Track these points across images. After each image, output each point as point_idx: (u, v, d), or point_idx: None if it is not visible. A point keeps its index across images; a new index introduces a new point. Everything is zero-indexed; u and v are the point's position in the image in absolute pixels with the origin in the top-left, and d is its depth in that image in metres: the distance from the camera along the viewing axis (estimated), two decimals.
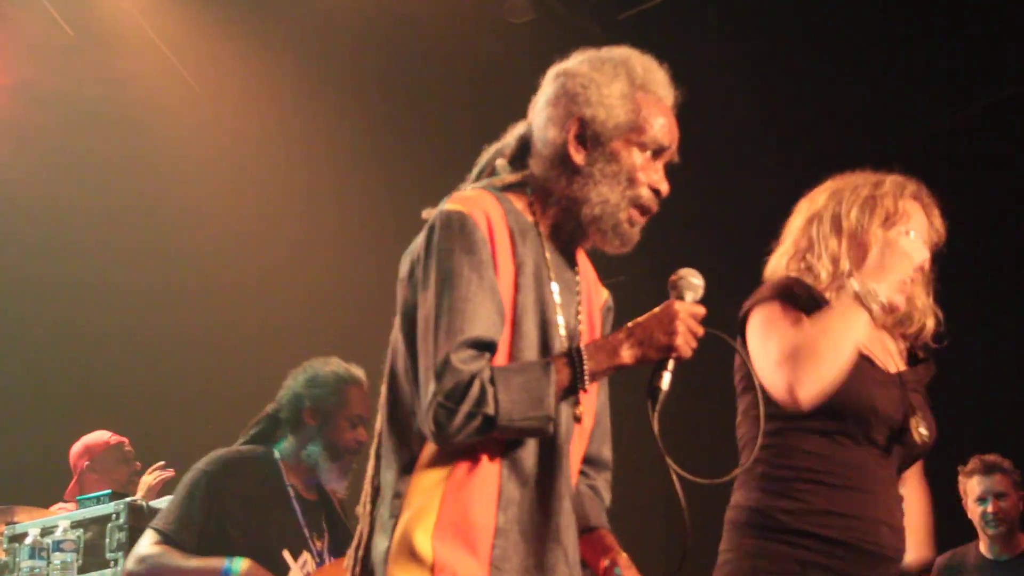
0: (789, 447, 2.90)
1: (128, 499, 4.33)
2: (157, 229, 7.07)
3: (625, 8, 6.18)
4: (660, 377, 2.27)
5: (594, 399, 2.44)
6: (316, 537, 4.06)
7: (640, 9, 6.07)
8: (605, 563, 2.39)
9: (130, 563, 3.94)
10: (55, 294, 7.03)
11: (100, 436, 5.81)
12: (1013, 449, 5.47)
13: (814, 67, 6.07)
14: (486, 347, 2.19)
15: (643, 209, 2.36)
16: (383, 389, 2.34)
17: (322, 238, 7.01)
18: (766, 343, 2.82)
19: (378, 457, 2.33)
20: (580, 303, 2.41)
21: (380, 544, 2.24)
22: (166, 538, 3.89)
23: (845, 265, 2.93)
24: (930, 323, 3.05)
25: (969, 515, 5.46)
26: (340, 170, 6.92)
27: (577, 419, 2.35)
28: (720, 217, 6.54)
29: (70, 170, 6.96)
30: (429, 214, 2.34)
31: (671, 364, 2.26)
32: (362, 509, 2.32)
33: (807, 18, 6.00)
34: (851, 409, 2.85)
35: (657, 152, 2.37)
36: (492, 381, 2.15)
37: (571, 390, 2.23)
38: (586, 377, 2.22)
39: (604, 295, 2.53)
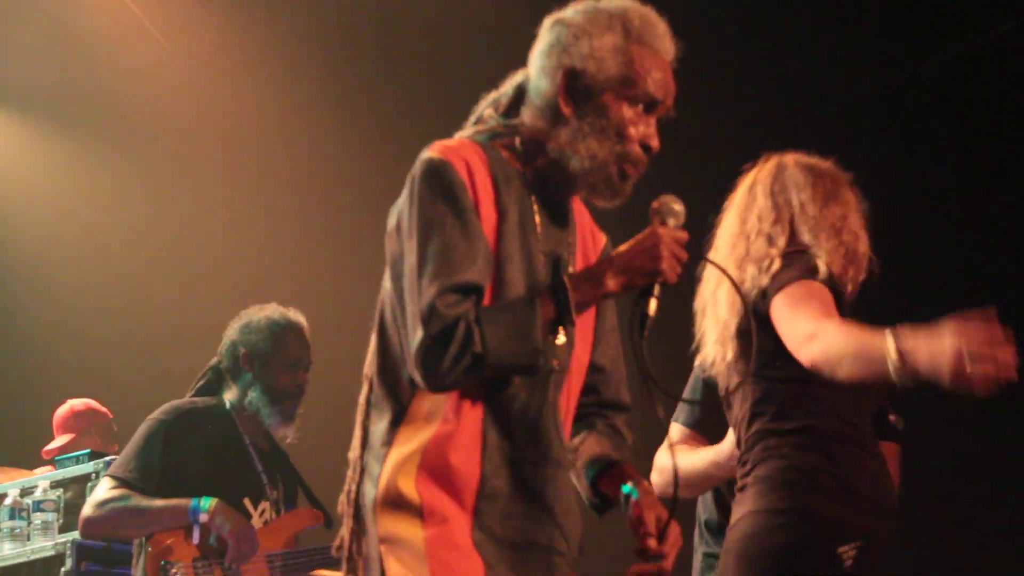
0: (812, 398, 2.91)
1: (108, 458, 4.32)
2: (124, 189, 7.02)
3: None
4: (647, 303, 2.27)
5: (587, 345, 2.43)
6: (273, 486, 4.08)
7: None
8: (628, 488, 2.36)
9: (87, 509, 3.89)
10: (23, 257, 6.99)
11: (100, 406, 5.68)
12: None
13: (770, 26, 6.09)
14: (472, 291, 2.20)
15: (633, 164, 2.34)
16: (373, 338, 2.37)
17: (300, 193, 6.97)
18: (810, 303, 2.83)
19: (369, 404, 2.35)
20: (573, 252, 2.40)
21: (368, 492, 2.28)
22: (125, 484, 3.87)
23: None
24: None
25: None
26: (317, 128, 6.87)
27: (557, 368, 2.31)
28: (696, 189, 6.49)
29: (35, 131, 6.91)
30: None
31: (657, 289, 2.27)
32: (352, 454, 2.36)
33: None
34: None
35: (650, 106, 2.34)
36: (478, 321, 2.17)
37: (558, 323, 2.24)
38: (572, 308, 2.23)
39: (603, 241, 2.51)
